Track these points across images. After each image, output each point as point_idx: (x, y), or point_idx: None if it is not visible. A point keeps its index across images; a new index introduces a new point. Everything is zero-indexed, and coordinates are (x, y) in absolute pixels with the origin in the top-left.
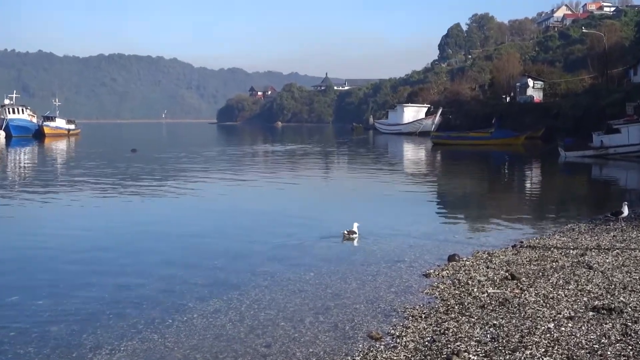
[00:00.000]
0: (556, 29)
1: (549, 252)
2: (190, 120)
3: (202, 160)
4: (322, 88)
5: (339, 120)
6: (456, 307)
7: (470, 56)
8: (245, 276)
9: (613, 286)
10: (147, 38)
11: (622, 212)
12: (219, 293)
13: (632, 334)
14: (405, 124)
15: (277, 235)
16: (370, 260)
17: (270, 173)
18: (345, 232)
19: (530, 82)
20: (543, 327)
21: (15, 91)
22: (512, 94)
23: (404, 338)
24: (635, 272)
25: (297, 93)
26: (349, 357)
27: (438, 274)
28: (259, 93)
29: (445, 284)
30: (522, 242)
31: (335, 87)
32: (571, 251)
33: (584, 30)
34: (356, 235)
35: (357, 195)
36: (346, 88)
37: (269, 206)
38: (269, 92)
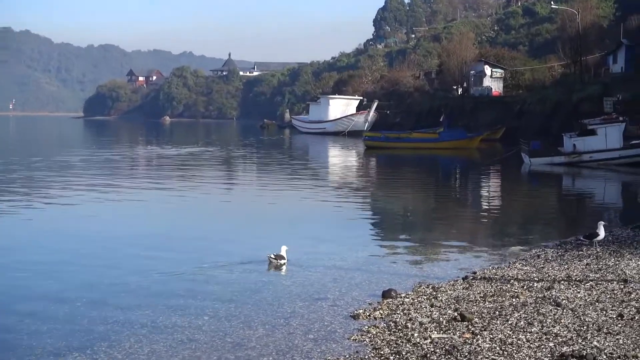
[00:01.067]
0: (520, 4)
1: (508, 286)
2: (48, 113)
3: (63, 167)
4: (224, 73)
5: (245, 115)
6: (391, 357)
7: (413, 35)
8: (117, 322)
9: (585, 327)
10: None
11: (597, 234)
12: (81, 345)
13: None
14: (331, 121)
15: (160, 265)
16: (283, 298)
17: (157, 184)
18: (272, 256)
19: (488, 69)
20: None
21: None
22: (465, 85)
23: None
24: (612, 310)
25: (192, 79)
26: None
27: (369, 315)
28: (141, 78)
29: (378, 327)
30: (475, 272)
31: (241, 73)
32: (535, 284)
33: (553, 6)
34: (285, 262)
35: (268, 213)
36: (255, 73)
37: (151, 227)
38: (154, 78)
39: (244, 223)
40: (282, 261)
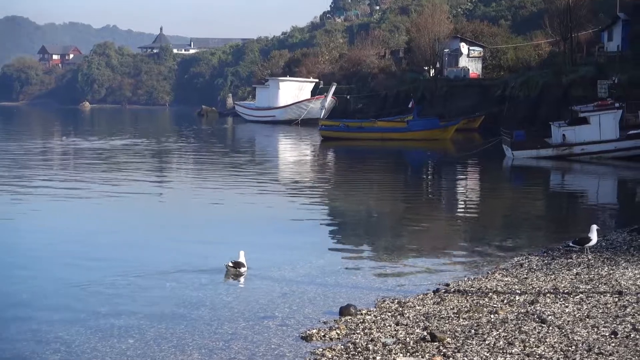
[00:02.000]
0: None
1: (486, 300)
2: None
3: None
4: (155, 51)
5: (181, 100)
6: None
7: (377, 7)
8: (24, 347)
9: (574, 348)
10: None
11: (589, 240)
12: None
13: None
14: (282, 107)
15: (78, 277)
16: (222, 317)
17: (76, 182)
18: (230, 264)
19: (465, 47)
20: None
21: None
22: (437, 65)
23: None
24: (604, 327)
25: (116, 58)
26: None
27: (324, 336)
28: (55, 57)
29: (334, 350)
30: (447, 285)
31: (175, 50)
32: (517, 297)
33: None
34: (245, 269)
35: (207, 216)
36: (192, 51)
37: (69, 232)
38: (71, 56)
39: (178, 228)
40: (242, 269)
